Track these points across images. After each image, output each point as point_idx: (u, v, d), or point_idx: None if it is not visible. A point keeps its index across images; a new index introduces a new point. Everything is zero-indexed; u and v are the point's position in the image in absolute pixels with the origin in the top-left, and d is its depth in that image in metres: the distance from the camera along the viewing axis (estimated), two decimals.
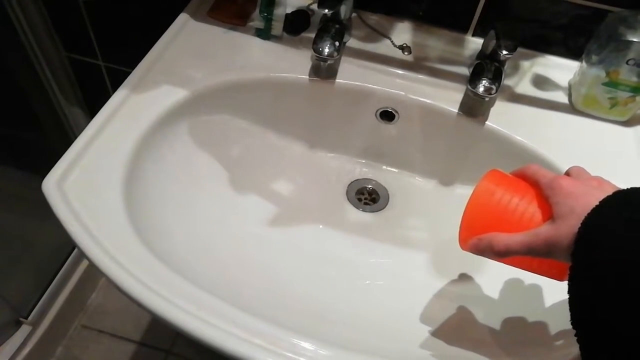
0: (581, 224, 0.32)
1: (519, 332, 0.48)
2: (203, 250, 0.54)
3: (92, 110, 1.04)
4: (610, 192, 0.33)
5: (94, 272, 1.11)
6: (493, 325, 0.50)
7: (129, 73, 0.58)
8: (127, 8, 0.80)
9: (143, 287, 0.42)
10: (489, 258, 0.40)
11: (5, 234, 0.97)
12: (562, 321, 0.33)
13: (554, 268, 0.38)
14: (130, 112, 0.54)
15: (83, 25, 0.85)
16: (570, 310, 0.31)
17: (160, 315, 0.42)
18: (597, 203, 0.32)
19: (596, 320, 0.30)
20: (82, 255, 0.45)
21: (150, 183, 0.53)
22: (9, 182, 1.03)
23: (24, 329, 0.97)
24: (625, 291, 0.28)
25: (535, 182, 0.39)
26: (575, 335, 0.31)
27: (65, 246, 1.06)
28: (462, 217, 0.41)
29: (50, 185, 0.47)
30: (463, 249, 0.42)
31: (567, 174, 0.39)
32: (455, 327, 0.51)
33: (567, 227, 0.33)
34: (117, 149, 0.51)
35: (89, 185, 0.48)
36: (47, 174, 0.48)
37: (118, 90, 0.56)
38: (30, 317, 0.97)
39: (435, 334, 0.50)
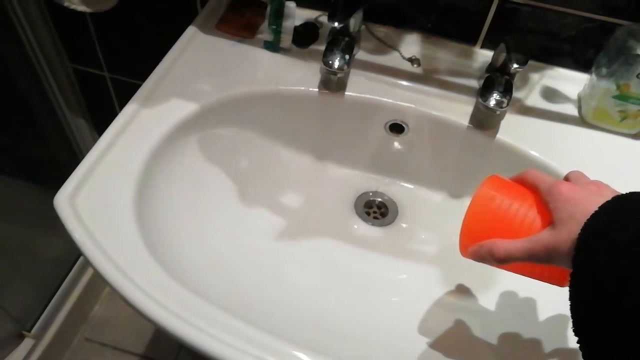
0: (581, 230, 0.32)
1: (530, 347, 0.48)
2: (212, 264, 0.54)
3: (96, 121, 1.04)
4: (609, 197, 0.33)
5: (96, 284, 1.11)
6: (504, 340, 0.50)
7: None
8: (132, 19, 0.80)
9: (154, 303, 0.42)
10: (489, 265, 0.39)
11: (8, 246, 0.97)
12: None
13: (555, 274, 0.38)
14: (140, 126, 0.54)
15: (89, 36, 0.85)
16: (572, 316, 0.31)
17: (170, 331, 0.41)
18: (596, 208, 0.32)
19: (597, 327, 0.29)
20: (89, 267, 0.44)
21: (160, 197, 0.52)
22: (12, 193, 1.03)
23: (27, 342, 0.96)
24: (625, 297, 0.28)
25: (535, 188, 0.39)
26: (578, 343, 0.31)
27: (67, 258, 1.06)
28: (462, 223, 0.40)
29: (62, 200, 0.47)
30: (463, 255, 0.41)
31: (567, 178, 0.39)
32: (465, 342, 0.51)
33: (567, 233, 0.33)
34: (128, 164, 0.51)
35: (100, 201, 0.48)
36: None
37: (128, 104, 0.56)
38: (33, 330, 0.96)
39: (447, 350, 0.50)
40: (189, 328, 0.41)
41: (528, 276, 0.40)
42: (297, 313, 0.53)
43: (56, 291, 1.01)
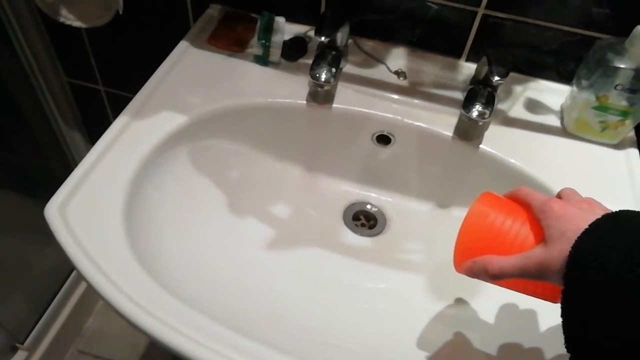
0: (571, 247, 0.32)
1: (516, 357, 0.48)
2: (202, 274, 0.54)
3: (91, 134, 1.05)
4: (600, 215, 0.33)
5: (90, 297, 1.11)
6: (490, 351, 0.50)
7: (129, 98, 0.59)
8: (127, 34, 0.82)
9: (143, 312, 0.43)
10: (483, 280, 0.40)
11: (2, 258, 0.97)
12: (558, 346, 0.34)
13: (548, 290, 0.38)
14: (131, 138, 0.55)
15: (84, 51, 0.87)
16: (564, 332, 0.32)
17: (160, 340, 0.42)
18: (587, 226, 0.33)
19: (588, 343, 0.30)
20: (83, 280, 0.45)
21: (150, 208, 0.53)
22: (7, 205, 1.03)
23: (20, 355, 0.96)
24: (615, 314, 0.29)
25: (527, 205, 0.39)
26: (570, 359, 0.31)
27: (61, 270, 1.06)
28: (456, 240, 0.41)
29: (52, 211, 0.47)
30: (458, 271, 0.42)
31: (559, 196, 0.40)
32: (453, 352, 0.51)
33: (559, 250, 0.34)
34: (118, 175, 0.52)
35: (90, 211, 0.49)
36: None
37: (119, 116, 0.57)
38: (26, 343, 0.96)
39: (433, 359, 0.50)
40: (179, 337, 0.41)
41: (521, 292, 0.40)
42: (287, 323, 0.54)
43: (50, 303, 1.01)
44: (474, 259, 0.39)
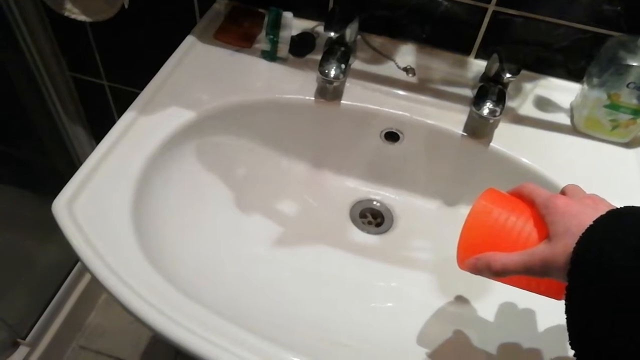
0: (576, 243, 0.32)
1: (522, 357, 0.48)
2: (209, 271, 0.54)
3: (94, 129, 1.04)
4: (604, 211, 0.33)
5: (92, 292, 1.10)
6: (498, 349, 0.50)
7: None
8: (132, 29, 0.81)
9: (149, 307, 0.42)
10: (486, 277, 0.40)
11: (5, 253, 0.97)
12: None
13: (552, 287, 0.38)
14: (138, 133, 0.54)
15: (88, 45, 0.86)
16: (568, 330, 0.32)
17: (166, 335, 0.42)
18: (591, 222, 0.32)
19: (593, 341, 0.30)
20: (85, 275, 0.44)
21: (157, 204, 0.53)
22: (10, 200, 1.03)
23: (22, 350, 0.95)
24: (621, 311, 0.28)
25: (531, 201, 0.39)
26: (574, 356, 0.31)
27: (63, 266, 1.05)
28: (460, 236, 0.41)
29: (60, 206, 0.47)
30: (461, 268, 0.42)
31: (563, 192, 0.39)
32: (459, 350, 0.51)
33: (563, 246, 0.33)
34: (126, 171, 0.51)
35: (97, 207, 0.48)
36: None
37: (126, 111, 0.56)
38: (28, 338, 0.96)
39: (439, 357, 0.50)
40: (185, 333, 0.41)
41: (524, 289, 0.40)
42: (293, 320, 0.53)
43: (52, 299, 1.01)
44: (477, 256, 0.39)
